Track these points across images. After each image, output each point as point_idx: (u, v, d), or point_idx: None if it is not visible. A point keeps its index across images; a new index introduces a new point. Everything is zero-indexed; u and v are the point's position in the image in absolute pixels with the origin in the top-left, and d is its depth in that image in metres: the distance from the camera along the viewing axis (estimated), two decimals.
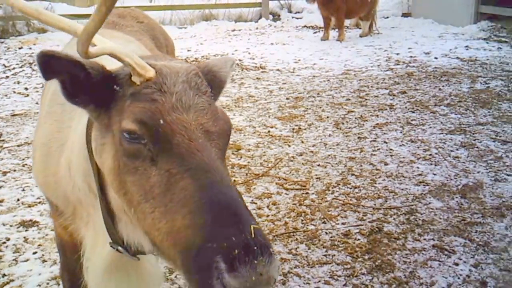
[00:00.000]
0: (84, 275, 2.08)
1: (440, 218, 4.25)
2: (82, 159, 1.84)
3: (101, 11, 1.50)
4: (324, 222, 4.24)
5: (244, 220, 1.39)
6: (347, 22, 13.82)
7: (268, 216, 4.33)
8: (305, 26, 14.92)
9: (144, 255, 1.93)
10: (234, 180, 4.84)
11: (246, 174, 5.11)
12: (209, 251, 1.35)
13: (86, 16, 14.92)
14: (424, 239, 3.98)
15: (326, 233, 4.08)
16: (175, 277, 3.57)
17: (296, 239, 4.01)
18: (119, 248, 1.87)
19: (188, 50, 11.57)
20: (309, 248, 3.88)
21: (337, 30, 12.57)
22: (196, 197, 1.43)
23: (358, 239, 3.99)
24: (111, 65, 1.72)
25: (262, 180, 4.98)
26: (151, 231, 1.52)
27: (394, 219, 4.27)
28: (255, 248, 1.34)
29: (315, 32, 13.75)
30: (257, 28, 14.73)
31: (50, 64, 1.55)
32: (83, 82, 1.61)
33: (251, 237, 1.36)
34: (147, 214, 1.51)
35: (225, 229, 1.37)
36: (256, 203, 4.52)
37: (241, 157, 5.51)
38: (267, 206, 4.48)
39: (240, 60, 10.40)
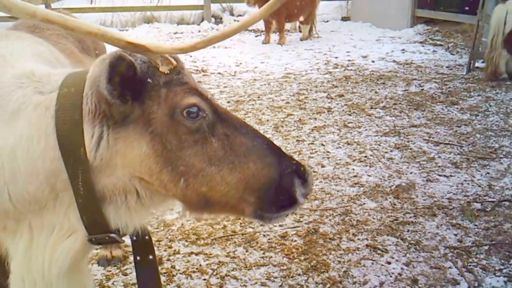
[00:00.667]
0: None
1: (374, 218, 4.39)
2: (47, 162, 1.82)
3: (274, 5, 1.79)
4: (262, 225, 4.30)
5: (284, 152, 1.93)
6: (287, 25, 14.00)
7: (206, 220, 4.36)
8: (247, 29, 15.02)
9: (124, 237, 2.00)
10: None
11: None
12: (288, 176, 1.84)
13: None
14: (358, 239, 4.10)
15: (264, 235, 4.15)
16: (112, 283, 3.57)
17: (235, 242, 4.06)
18: (112, 235, 1.90)
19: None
20: (246, 251, 3.94)
21: (278, 33, 12.73)
22: (256, 146, 1.85)
23: (295, 241, 4.07)
24: None
25: None
26: (215, 189, 1.81)
27: (329, 220, 4.38)
28: (305, 165, 1.92)
29: (256, 36, 13.87)
30: (199, 31, 14.74)
31: (116, 66, 1.68)
32: (130, 81, 1.74)
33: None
34: (214, 174, 1.80)
35: (286, 159, 1.88)
36: None
37: None
38: None
39: None
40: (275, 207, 1.87)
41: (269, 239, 4.10)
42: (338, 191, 4.88)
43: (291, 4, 12.25)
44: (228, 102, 7.71)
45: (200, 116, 1.79)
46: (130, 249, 3.88)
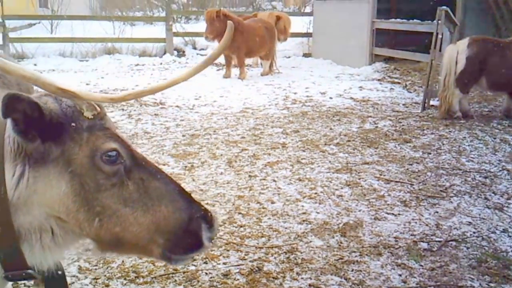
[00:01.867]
0: None
1: (319, 257, 4.34)
2: None
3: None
4: (205, 262, 4.22)
5: (194, 198, 2.06)
6: (249, 60, 14.13)
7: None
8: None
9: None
10: None
11: None
12: (197, 221, 1.97)
13: None
14: (302, 278, 4.04)
15: (206, 273, 4.06)
16: None
17: (175, 280, 3.96)
18: (29, 271, 1.93)
19: (87, 84, 11.40)
20: None
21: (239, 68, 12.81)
22: (169, 191, 1.97)
23: (238, 279, 3.99)
24: None
25: None
26: (128, 229, 1.90)
27: (275, 258, 4.32)
28: (212, 211, 2.06)
29: (218, 70, 13.92)
30: (161, 64, 14.76)
31: (13, 104, 1.73)
32: (35, 121, 1.80)
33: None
34: (128, 215, 1.89)
35: (195, 205, 2.01)
36: None
37: None
38: None
39: None
40: (183, 249, 2.00)
41: (211, 277, 4.01)
42: (286, 228, 4.83)
43: (250, 40, 12.37)
44: (183, 135, 7.65)
45: (119, 161, 1.91)
46: None
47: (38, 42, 15.22)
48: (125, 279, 3.95)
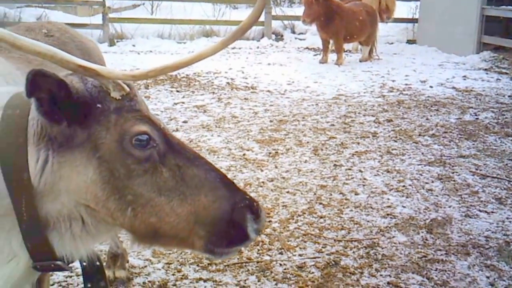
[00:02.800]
0: None
1: (401, 254, 4.09)
2: None
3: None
4: (281, 253, 4.10)
5: (238, 187, 1.89)
6: (349, 46, 13.76)
7: None
8: (307, 47, 14.86)
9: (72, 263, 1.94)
10: None
11: None
12: (241, 211, 1.80)
13: (85, 25, 14.87)
14: (381, 275, 3.82)
15: (280, 264, 3.94)
16: None
17: (248, 270, 3.86)
18: (57, 262, 1.83)
19: None
20: (259, 280, 3.73)
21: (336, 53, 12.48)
22: (209, 179, 1.80)
23: (312, 273, 3.84)
24: None
25: None
26: (165, 220, 1.76)
27: (353, 252, 4.12)
28: (258, 201, 1.89)
29: (315, 55, 13.65)
30: (257, 47, 14.71)
31: (37, 82, 1.61)
32: (61, 101, 1.67)
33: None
34: (164, 205, 1.75)
35: (239, 193, 1.84)
36: None
37: None
38: None
39: (232, 79, 10.34)
40: (226, 242, 1.83)
41: (285, 269, 3.89)
42: (368, 221, 4.60)
43: (350, 24, 12.00)
44: (271, 121, 7.54)
45: (150, 145, 1.76)
46: (136, 270, 3.78)
47: (137, 23, 15.55)
48: (197, 265, 3.91)
